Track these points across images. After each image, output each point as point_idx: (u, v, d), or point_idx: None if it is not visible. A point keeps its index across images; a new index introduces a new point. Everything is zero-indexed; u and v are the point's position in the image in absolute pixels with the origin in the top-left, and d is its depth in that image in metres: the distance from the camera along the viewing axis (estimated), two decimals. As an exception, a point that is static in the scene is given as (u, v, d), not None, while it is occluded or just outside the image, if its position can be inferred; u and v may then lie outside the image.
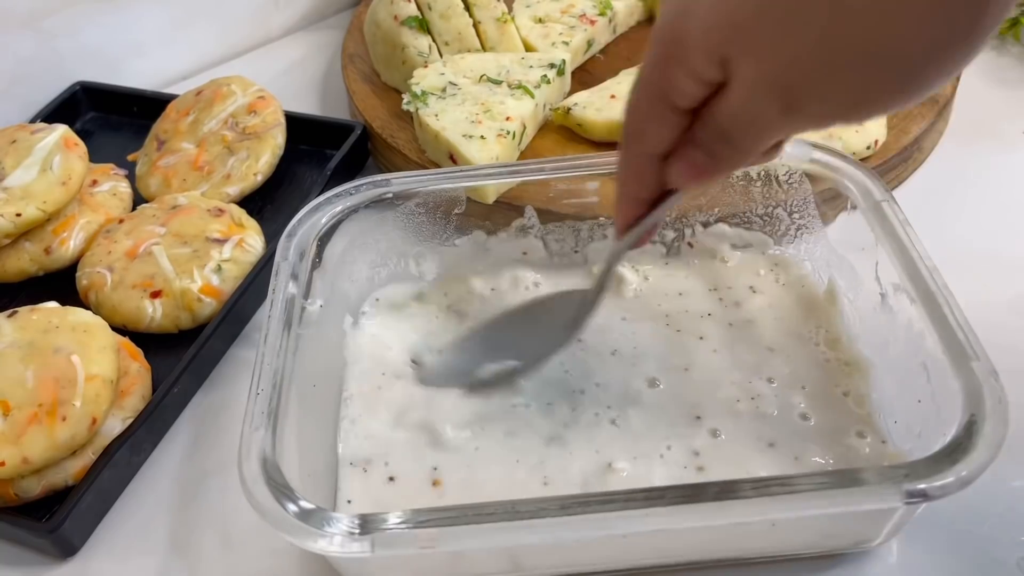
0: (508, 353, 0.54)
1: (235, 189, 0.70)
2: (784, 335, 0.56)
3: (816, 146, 0.56)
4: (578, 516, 0.40)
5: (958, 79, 0.74)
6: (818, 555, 0.48)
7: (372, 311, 0.60)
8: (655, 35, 0.38)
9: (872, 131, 0.66)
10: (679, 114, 0.39)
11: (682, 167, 0.41)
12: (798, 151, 0.56)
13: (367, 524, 0.40)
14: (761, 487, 0.40)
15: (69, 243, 0.67)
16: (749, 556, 0.48)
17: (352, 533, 0.40)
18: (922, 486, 0.39)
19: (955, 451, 0.40)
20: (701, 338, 0.56)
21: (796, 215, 0.59)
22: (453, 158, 0.67)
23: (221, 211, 0.67)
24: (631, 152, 0.43)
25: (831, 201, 0.58)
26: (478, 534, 0.40)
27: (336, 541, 0.39)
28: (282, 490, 0.41)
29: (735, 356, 0.55)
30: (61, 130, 0.69)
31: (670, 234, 0.61)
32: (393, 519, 0.40)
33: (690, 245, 0.61)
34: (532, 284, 0.61)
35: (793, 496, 0.40)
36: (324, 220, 0.55)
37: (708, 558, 0.48)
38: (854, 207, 0.54)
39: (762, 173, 0.58)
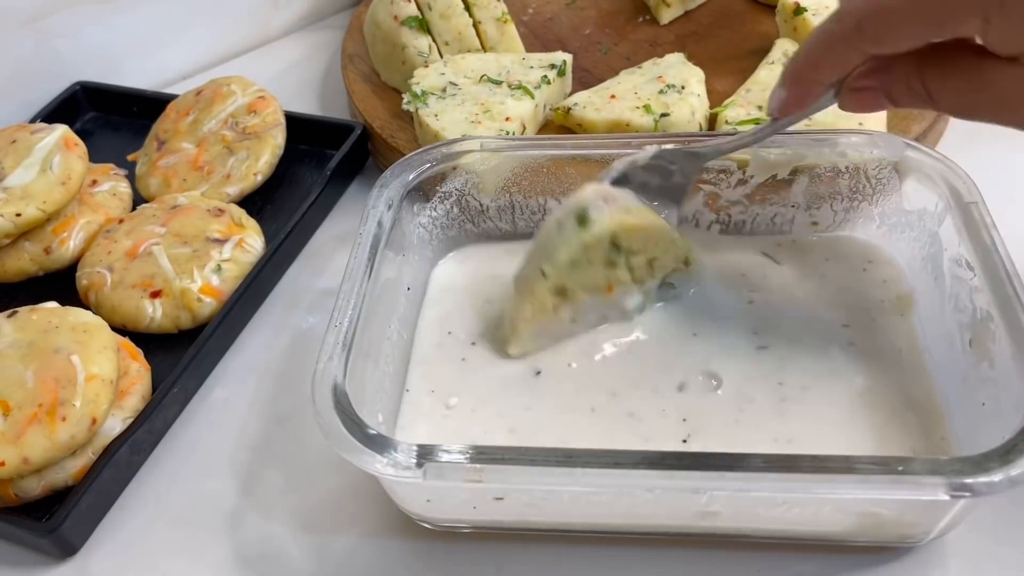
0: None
1: (235, 189, 0.70)
2: (857, 323, 0.56)
3: (909, 144, 0.55)
4: (625, 471, 0.41)
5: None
6: (866, 545, 0.48)
7: (452, 263, 0.62)
8: None
9: (872, 131, 0.66)
10: (932, 38, 0.42)
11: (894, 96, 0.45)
12: (890, 146, 0.56)
13: (423, 453, 0.43)
14: (817, 463, 0.41)
15: (69, 243, 0.67)
16: (795, 536, 0.48)
17: (409, 460, 0.43)
18: (968, 481, 0.39)
19: (1009, 451, 0.40)
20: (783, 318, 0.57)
21: (881, 209, 0.59)
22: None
23: (221, 211, 0.67)
24: (854, 40, 0.43)
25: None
26: (523, 475, 0.42)
27: (394, 466, 0.43)
28: (349, 415, 0.45)
29: (809, 338, 0.55)
30: (61, 130, 0.69)
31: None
32: (447, 451, 0.43)
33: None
34: None
35: (841, 476, 0.40)
36: (412, 176, 0.59)
37: (753, 533, 0.48)
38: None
39: (851, 167, 0.58)
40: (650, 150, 0.56)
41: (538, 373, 0.55)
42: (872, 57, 0.45)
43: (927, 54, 0.43)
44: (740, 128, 0.66)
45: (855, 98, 0.47)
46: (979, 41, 0.41)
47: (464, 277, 0.62)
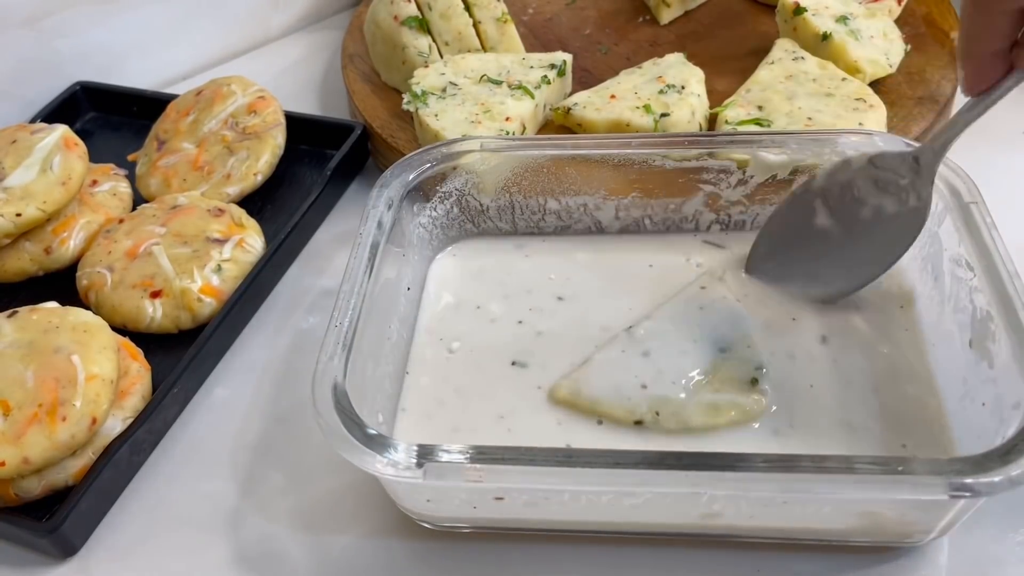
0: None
1: (235, 189, 0.70)
2: (861, 329, 0.56)
3: (909, 144, 0.55)
4: (625, 471, 0.42)
5: (957, 79, 0.74)
6: (867, 545, 0.48)
7: (450, 261, 0.63)
8: None
9: (872, 131, 0.66)
10: None
11: None
12: (890, 146, 0.56)
13: (423, 453, 0.43)
14: (817, 463, 0.41)
15: (69, 243, 0.67)
16: (795, 536, 0.48)
17: (409, 460, 0.43)
18: (969, 481, 0.39)
19: (1009, 452, 0.40)
20: (793, 319, 0.56)
21: None
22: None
23: (221, 211, 0.67)
24: (990, 7, 0.43)
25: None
26: (523, 475, 0.43)
27: (394, 466, 0.43)
28: (349, 415, 0.45)
29: (812, 341, 0.55)
30: (61, 130, 0.69)
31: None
32: (447, 450, 0.43)
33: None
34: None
35: (841, 476, 0.40)
36: (412, 176, 0.59)
37: (753, 532, 0.48)
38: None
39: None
40: (857, 158, 0.54)
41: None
42: None
43: None
44: (740, 128, 0.66)
45: None
46: None
47: (466, 272, 0.62)
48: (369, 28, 0.81)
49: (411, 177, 0.59)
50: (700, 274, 0.58)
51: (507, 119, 0.68)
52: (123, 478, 0.56)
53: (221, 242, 0.65)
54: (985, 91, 0.48)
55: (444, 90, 0.71)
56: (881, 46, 0.73)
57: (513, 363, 0.56)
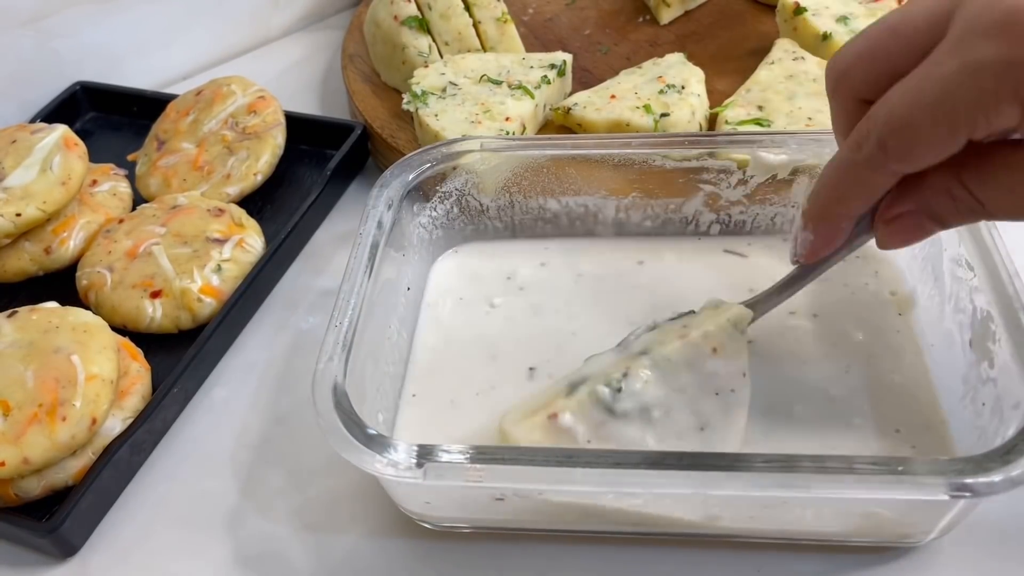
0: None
1: (235, 189, 0.70)
2: (861, 330, 0.56)
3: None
4: (625, 471, 0.41)
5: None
6: (866, 545, 0.48)
7: (451, 262, 0.63)
8: (1001, 23, 0.33)
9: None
10: (960, 143, 0.36)
11: (904, 228, 0.41)
12: None
13: (423, 453, 0.43)
14: (817, 463, 0.41)
15: (69, 243, 0.67)
16: (795, 536, 0.48)
17: (409, 460, 0.43)
18: (969, 481, 0.39)
19: (1009, 452, 0.40)
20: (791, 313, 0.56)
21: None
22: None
23: (221, 211, 0.67)
24: (880, 162, 0.39)
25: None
26: (523, 475, 0.42)
27: (394, 466, 0.43)
28: (349, 415, 0.45)
29: (813, 343, 0.55)
30: (61, 130, 0.69)
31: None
32: (447, 451, 0.43)
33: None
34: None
35: (841, 476, 0.40)
36: (412, 176, 0.59)
37: (752, 533, 0.48)
38: None
39: None
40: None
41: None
42: (901, 179, 0.40)
43: (961, 157, 0.38)
44: (740, 128, 0.66)
45: (893, 229, 0.42)
46: (1019, 135, 0.37)
47: (466, 274, 0.62)
48: (369, 28, 0.81)
49: (411, 177, 0.59)
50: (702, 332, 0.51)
51: (507, 119, 0.68)
52: (123, 478, 0.56)
53: (221, 242, 0.65)
54: (823, 259, 0.47)
55: (444, 90, 0.71)
56: (881, 46, 0.73)
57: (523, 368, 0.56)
